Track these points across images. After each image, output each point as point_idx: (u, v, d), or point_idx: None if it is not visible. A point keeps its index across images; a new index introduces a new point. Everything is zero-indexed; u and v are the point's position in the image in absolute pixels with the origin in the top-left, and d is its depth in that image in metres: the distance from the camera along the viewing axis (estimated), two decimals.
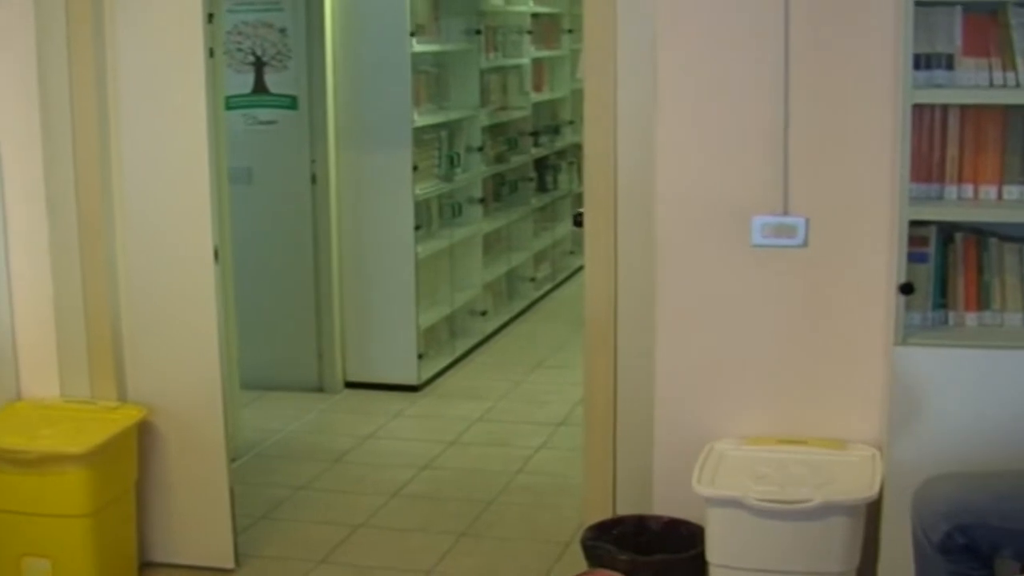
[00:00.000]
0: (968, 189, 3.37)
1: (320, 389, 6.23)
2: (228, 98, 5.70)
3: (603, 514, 3.85)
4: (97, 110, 3.98)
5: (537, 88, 8.21)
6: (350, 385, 6.29)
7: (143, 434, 4.10)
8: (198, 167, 3.99)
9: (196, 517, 4.16)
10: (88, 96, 3.97)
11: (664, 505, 3.69)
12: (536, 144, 8.24)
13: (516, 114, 7.81)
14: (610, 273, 3.79)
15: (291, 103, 6.04)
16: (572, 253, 8.83)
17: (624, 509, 3.85)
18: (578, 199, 7.80)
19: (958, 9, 3.28)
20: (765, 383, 3.58)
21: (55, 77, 3.97)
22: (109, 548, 3.93)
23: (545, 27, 8.40)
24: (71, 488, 3.78)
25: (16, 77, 4.01)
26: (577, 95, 7.49)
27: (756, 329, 3.56)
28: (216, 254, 4.05)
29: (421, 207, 6.35)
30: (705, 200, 3.53)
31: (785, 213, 3.47)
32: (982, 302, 3.40)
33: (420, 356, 6.30)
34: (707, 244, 3.55)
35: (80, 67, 3.96)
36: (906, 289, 3.25)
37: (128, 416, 4.01)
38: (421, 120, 6.26)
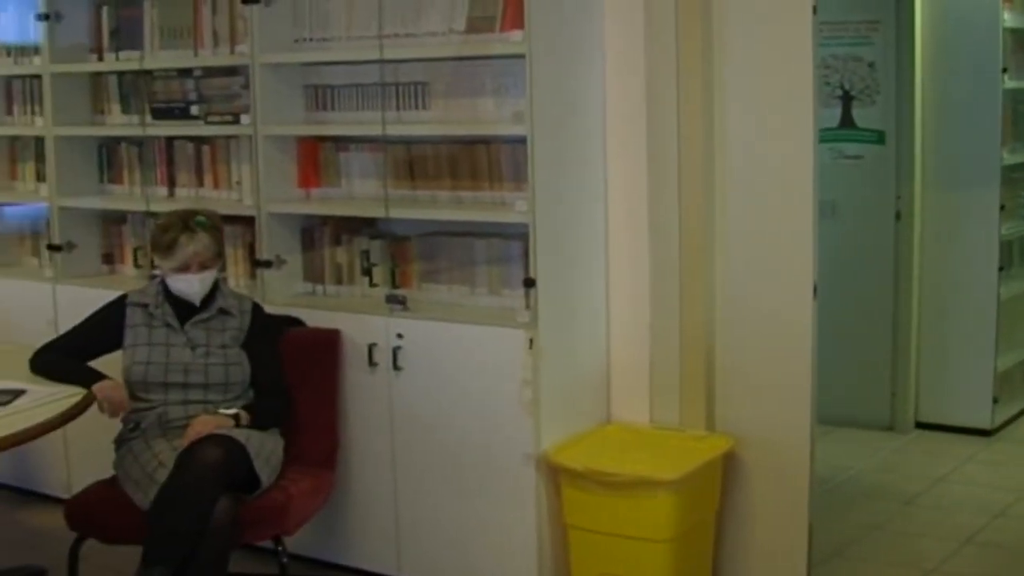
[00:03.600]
0: None
1: (891, 428, 6.13)
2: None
3: None
4: (703, 137, 4.12)
5: None
6: (920, 425, 6.15)
7: (727, 464, 4.19)
8: (801, 199, 4.03)
9: (772, 550, 4.21)
10: (695, 124, 4.12)
11: None
12: None
13: None
14: None
15: (878, 138, 6.00)
16: None
17: None
18: None
19: None
20: None
21: (663, 102, 4.16)
22: (686, 574, 4.05)
23: None
24: (657, 513, 3.91)
25: (626, 100, 4.24)
26: None
27: None
28: (815, 289, 4.07)
29: (1004, 247, 6.13)
30: None
31: None
32: None
33: (995, 400, 6.06)
34: None
35: (688, 91, 4.12)
36: None
37: (716, 446, 4.13)
38: (1010, 159, 6.05)
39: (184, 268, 4.11)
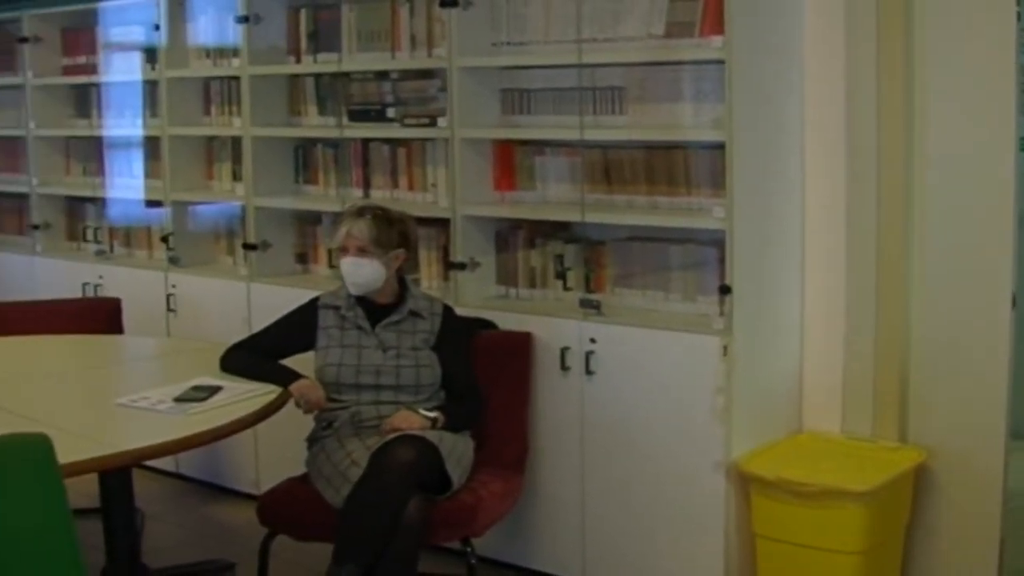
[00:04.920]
0: None
1: None
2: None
3: None
4: (902, 145, 4.21)
5: None
6: None
7: (918, 476, 4.27)
8: (1001, 208, 4.08)
9: (962, 565, 4.27)
10: (894, 132, 4.22)
11: None
12: None
13: None
14: None
15: None
16: None
17: None
18: None
19: None
20: None
21: (862, 111, 4.27)
22: None
23: None
24: (848, 525, 4.02)
25: (824, 107, 4.36)
26: None
27: None
28: (1014, 300, 4.13)
29: None
30: None
31: None
32: None
33: None
34: None
35: (888, 100, 4.22)
36: None
37: (908, 458, 4.22)
38: None
39: (343, 250, 4.32)
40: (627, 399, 4.43)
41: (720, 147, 4.19)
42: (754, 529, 4.26)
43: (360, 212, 4.36)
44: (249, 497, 5.48)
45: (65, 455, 3.04)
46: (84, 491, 3.06)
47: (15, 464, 3.01)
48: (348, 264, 4.31)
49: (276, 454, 5.16)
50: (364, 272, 4.31)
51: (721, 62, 4.13)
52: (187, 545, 5.23)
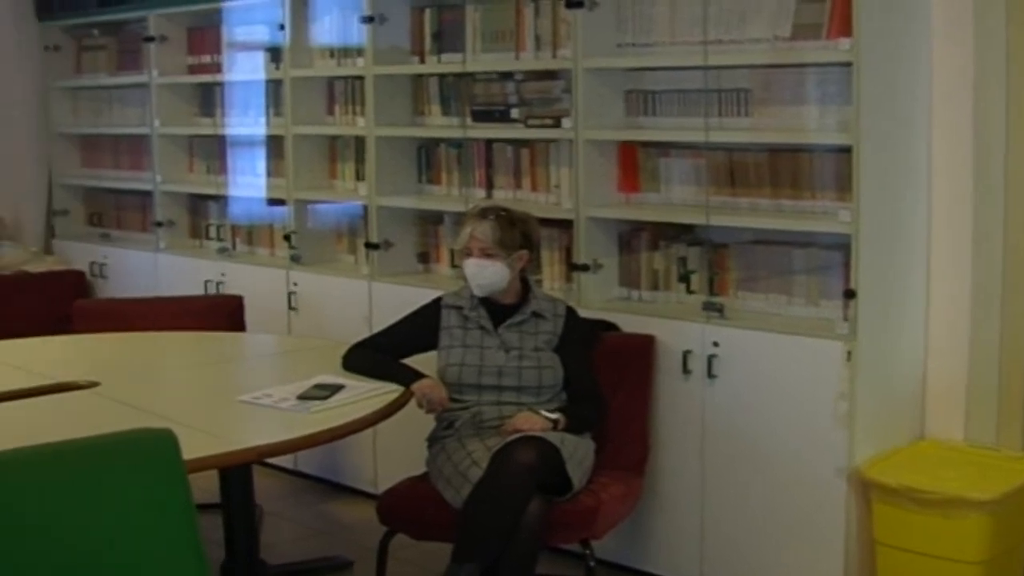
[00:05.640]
0: None
1: None
2: None
3: None
4: None
5: None
6: None
7: None
8: None
9: None
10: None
11: None
12: None
13: None
14: None
15: None
16: None
17: None
18: None
19: None
20: None
21: (991, 116, 4.30)
22: None
23: None
24: (971, 534, 4.04)
25: (952, 111, 4.38)
26: None
27: None
28: None
29: None
30: None
31: None
32: None
33: None
34: None
35: (1018, 105, 4.24)
36: None
37: None
38: None
39: (467, 252, 4.41)
40: (749, 403, 4.49)
41: (845, 150, 4.25)
42: (875, 536, 4.29)
43: (483, 213, 4.46)
44: (366, 495, 5.65)
45: (188, 451, 3.10)
46: (203, 486, 3.14)
47: (142, 459, 3.07)
48: (472, 266, 4.42)
49: (394, 453, 5.31)
50: (488, 274, 4.41)
51: (848, 64, 4.18)
52: (304, 542, 5.37)
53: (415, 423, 4.45)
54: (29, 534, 2.88)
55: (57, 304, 6.45)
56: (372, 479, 5.67)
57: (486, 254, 4.39)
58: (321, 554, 5.20)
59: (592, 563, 4.27)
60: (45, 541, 2.90)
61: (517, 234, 4.44)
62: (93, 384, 4.34)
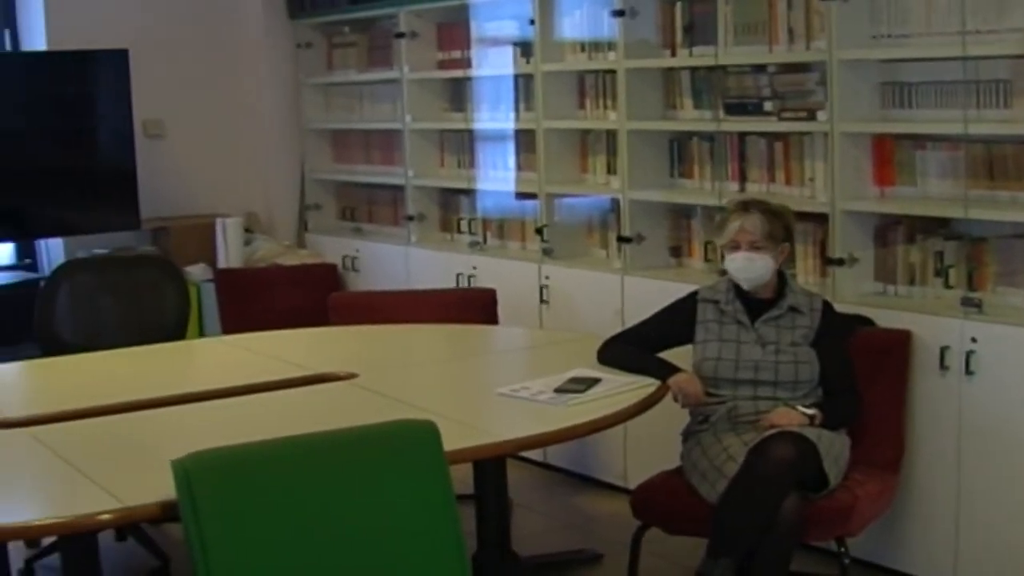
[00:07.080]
0: None
1: None
2: None
3: None
4: None
5: None
6: None
7: None
8: None
9: None
10: None
11: None
12: None
13: None
14: None
15: None
16: None
17: None
18: None
19: None
20: None
21: None
22: None
23: None
24: None
25: None
26: None
27: None
28: None
29: None
30: None
31: None
32: None
33: None
34: None
35: None
36: None
37: None
38: None
39: (734, 247, 4.52)
40: (1009, 401, 4.50)
41: None
42: None
43: (746, 207, 4.59)
44: (616, 489, 5.87)
45: (448, 442, 3.32)
46: (456, 477, 3.39)
47: (408, 449, 3.33)
48: (741, 259, 4.53)
49: (645, 447, 5.51)
50: (757, 267, 4.53)
51: None
52: (554, 534, 5.59)
53: (666, 417, 4.57)
54: (308, 515, 3.18)
55: (310, 297, 6.85)
56: (622, 473, 5.89)
57: (755, 247, 4.52)
58: (571, 547, 5.39)
59: (847, 561, 4.35)
60: (324, 520, 3.20)
61: (780, 227, 4.58)
62: (352, 375, 4.62)
